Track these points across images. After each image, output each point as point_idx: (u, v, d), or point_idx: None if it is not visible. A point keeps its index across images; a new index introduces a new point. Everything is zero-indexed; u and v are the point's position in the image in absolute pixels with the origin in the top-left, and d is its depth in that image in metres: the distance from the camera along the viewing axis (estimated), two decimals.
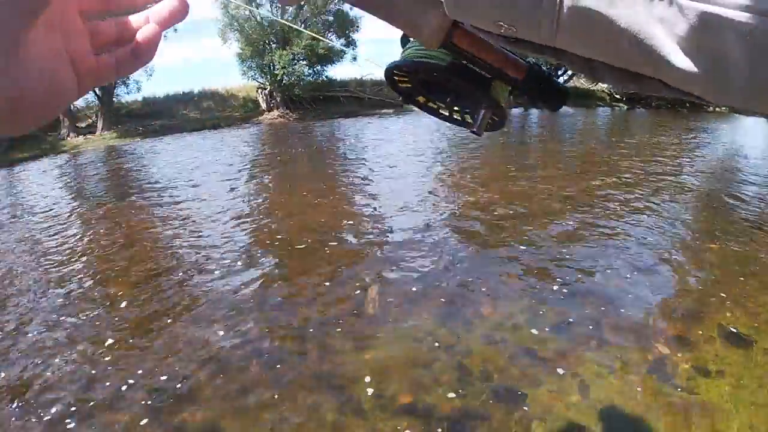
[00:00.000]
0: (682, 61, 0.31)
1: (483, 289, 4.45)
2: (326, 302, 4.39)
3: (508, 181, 8.65)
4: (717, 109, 31.02)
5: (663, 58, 0.32)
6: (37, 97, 0.31)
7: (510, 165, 10.19)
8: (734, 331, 3.70)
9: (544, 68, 0.56)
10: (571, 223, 6.20)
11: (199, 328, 4.06)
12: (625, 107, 26.55)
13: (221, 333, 3.96)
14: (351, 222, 6.71)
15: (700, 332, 3.69)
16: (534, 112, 21.56)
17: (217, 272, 5.14)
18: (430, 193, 8.02)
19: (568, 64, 0.43)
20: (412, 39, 0.58)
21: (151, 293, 4.72)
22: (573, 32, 0.35)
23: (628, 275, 4.65)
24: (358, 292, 4.53)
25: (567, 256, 5.12)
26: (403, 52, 0.60)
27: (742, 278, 4.56)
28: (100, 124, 23.01)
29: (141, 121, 23.73)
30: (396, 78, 0.63)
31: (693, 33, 0.30)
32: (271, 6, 24.12)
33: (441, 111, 0.68)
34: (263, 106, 24.60)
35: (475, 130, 0.61)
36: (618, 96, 26.90)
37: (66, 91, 0.34)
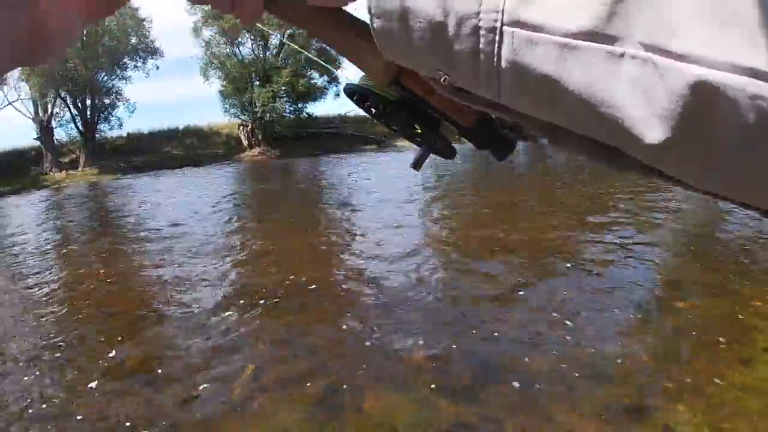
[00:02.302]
0: (655, 134, 0.26)
1: (373, 372, 3.51)
2: (213, 376, 3.57)
3: (488, 228, 7.80)
4: None
5: (629, 129, 0.27)
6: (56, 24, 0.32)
7: (499, 204, 9.38)
8: None
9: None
10: (511, 283, 5.30)
11: None
12: None
13: None
14: (334, 274, 5.85)
15: None
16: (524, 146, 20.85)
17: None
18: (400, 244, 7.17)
19: (525, 124, 0.36)
20: None
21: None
22: (516, 91, 0.30)
23: (562, 352, 3.67)
24: (238, 368, 3.66)
25: (497, 325, 4.19)
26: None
27: (710, 349, 3.62)
28: (82, 160, 22.68)
29: (124, 157, 23.34)
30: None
31: (673, 100, 0.24)
32: (252, 44, 23.86)
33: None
34: (245, 143, 24.10)
35: (411, 165, 0.63)
36: None
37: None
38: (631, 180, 11.07)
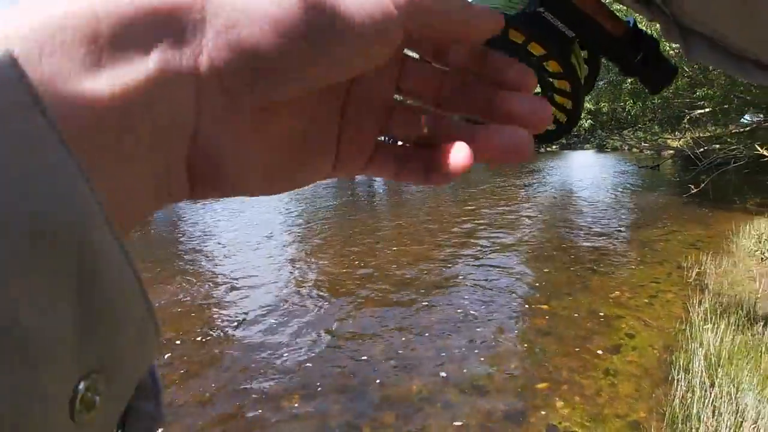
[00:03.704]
0: None
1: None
2: None
3: (348, 259, 7.53)
4: (548, 148, 33.48)
5: None
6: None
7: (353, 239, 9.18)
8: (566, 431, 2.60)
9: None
10: (374, 312, 5.08)
11: None
12: None
13: None
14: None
15: None
16: (378, 182, 21.12)
17: None
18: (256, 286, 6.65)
19: (666, 28, 0.36)
20: None
21: None
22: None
23: (433, 371, 3.43)
24: None
25: (366, 356, 3.89)
26: None
27: (578, 344, 3.58)
28: None
29: None
30: None
31: None
32: None
33: None
34: None
35: (538, 140, 0.47)
36: None
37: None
38: (482, 199, 11.58)
